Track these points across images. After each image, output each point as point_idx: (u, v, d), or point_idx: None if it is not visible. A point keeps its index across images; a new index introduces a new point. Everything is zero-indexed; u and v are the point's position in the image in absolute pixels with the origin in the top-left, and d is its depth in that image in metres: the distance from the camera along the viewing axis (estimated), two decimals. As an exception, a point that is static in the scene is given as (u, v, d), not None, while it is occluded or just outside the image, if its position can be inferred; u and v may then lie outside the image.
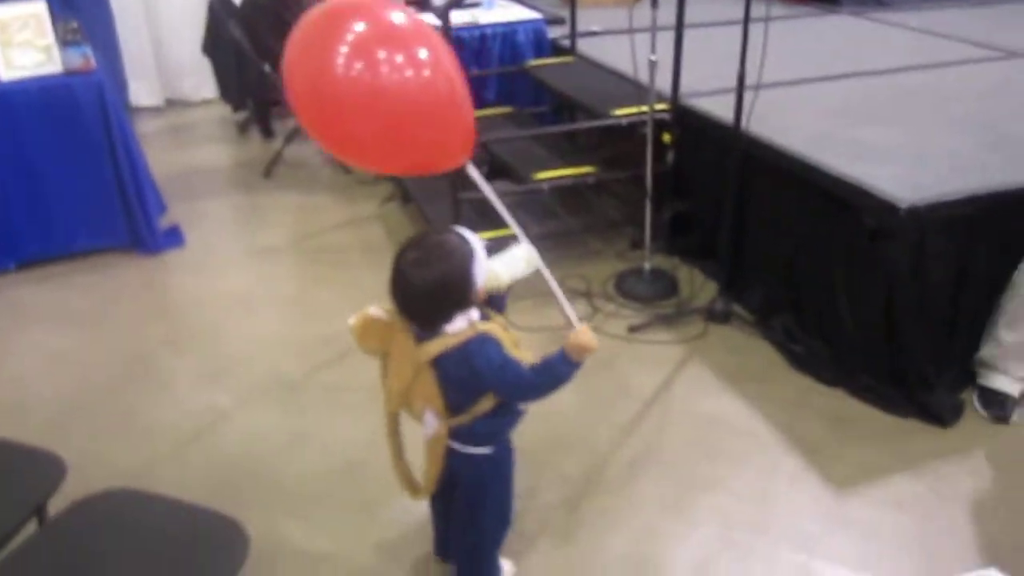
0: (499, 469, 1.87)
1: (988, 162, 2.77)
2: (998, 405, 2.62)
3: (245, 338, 3.17)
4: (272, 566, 2.09)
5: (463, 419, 1.73)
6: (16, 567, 1.49)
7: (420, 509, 2.12)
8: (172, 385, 2.90)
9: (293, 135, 4.85)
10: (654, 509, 2.30)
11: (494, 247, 1.74)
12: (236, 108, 5.61)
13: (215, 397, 2.82)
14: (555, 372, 1.65)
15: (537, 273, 1.77)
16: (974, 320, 2.72)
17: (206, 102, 6.07)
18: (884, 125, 3.13)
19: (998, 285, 2.67)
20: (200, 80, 5.96)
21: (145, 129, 5.38)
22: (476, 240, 1.66)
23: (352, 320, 1.71)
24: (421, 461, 1.83)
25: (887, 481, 2.38)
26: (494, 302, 1.78)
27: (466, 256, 1.63)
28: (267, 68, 4.56)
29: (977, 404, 2.67)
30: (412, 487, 1.87)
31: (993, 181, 2.62)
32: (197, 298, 3.49)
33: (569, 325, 1.70)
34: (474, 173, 1.80)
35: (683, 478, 2.41)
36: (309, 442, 2.59)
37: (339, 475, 2.45)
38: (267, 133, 5.30)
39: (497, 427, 1.79)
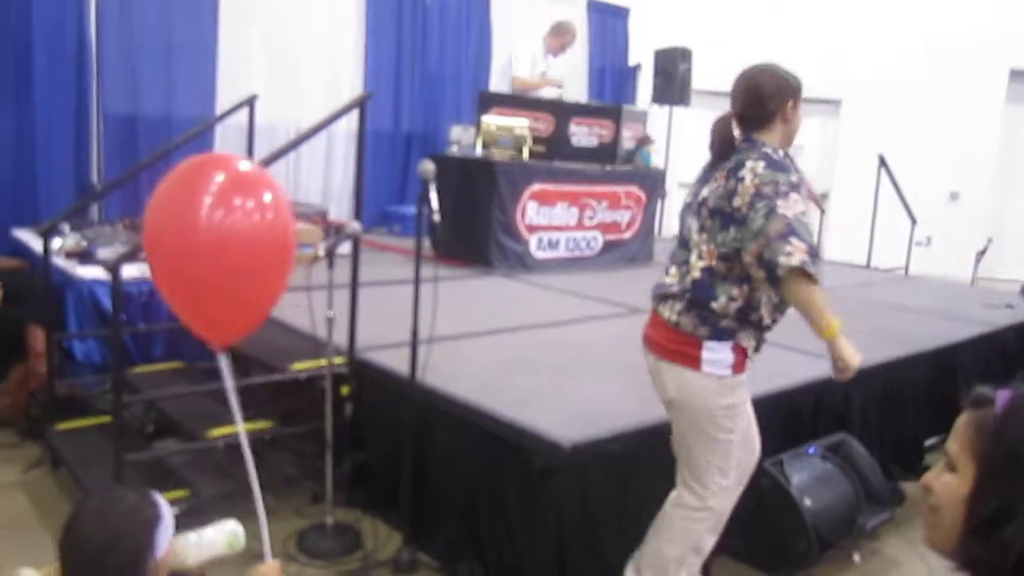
0: None
1: (626, 403, 3.16)
2: None
3: None
4: None
5: None
6: None
7: None
8: None
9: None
10: None
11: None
12: None
13: None
14: None
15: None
16: (634, 547, 2.97)
17: None
18: (540, 373, 3.49)
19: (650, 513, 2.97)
20: None
21: None
22: (166, 508, 1.56)
23: None
24: None
25: None
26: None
27: (149, 519, 1.52)
28: None
29: None
30: None
31: (632, 420, 2.99)
32: None
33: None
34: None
35: None
36: None
37: None
38: None
39: None
